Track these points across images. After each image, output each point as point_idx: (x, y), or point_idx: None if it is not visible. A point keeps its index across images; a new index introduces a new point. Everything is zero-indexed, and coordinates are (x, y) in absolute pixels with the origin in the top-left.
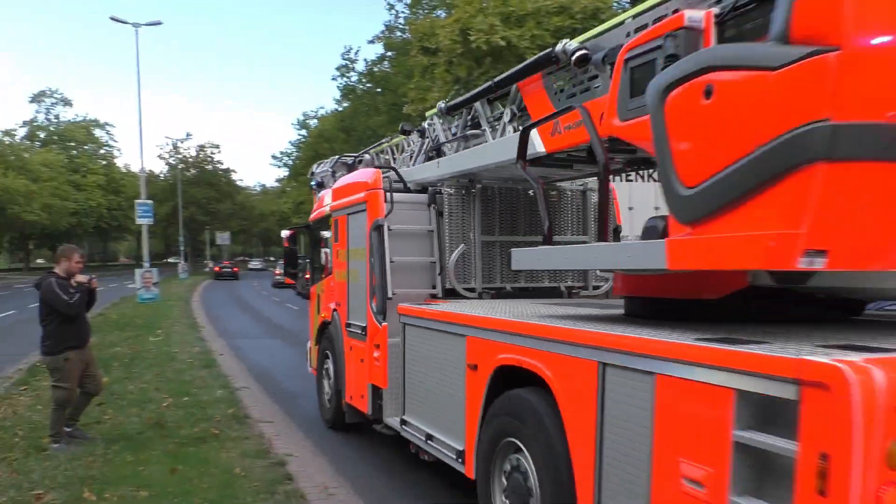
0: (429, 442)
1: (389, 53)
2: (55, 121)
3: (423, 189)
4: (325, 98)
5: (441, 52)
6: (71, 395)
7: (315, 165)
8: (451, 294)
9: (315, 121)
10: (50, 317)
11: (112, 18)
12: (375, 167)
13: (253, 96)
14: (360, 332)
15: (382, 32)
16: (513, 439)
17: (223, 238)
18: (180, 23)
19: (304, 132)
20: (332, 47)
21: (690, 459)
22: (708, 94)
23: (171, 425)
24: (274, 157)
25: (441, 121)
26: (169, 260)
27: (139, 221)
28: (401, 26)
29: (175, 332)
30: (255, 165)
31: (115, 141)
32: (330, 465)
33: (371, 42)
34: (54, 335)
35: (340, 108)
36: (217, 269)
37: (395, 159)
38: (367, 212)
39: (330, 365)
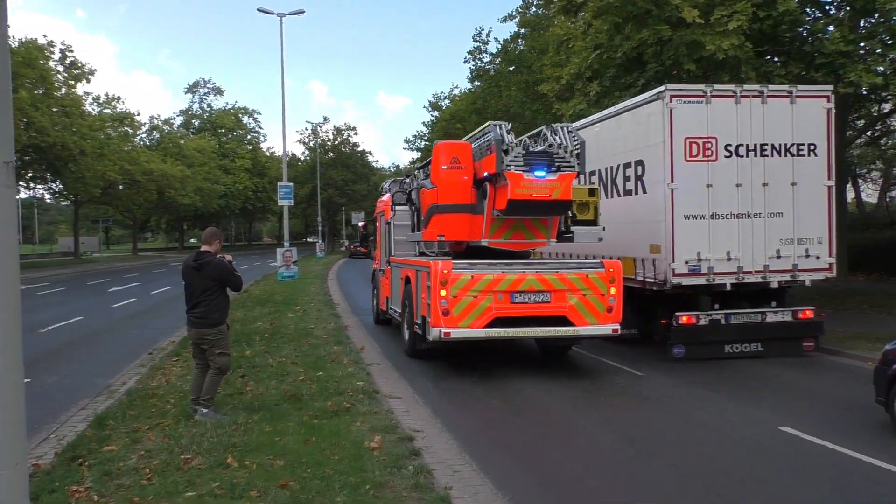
0: (394, 309)
1: (524, 31)
2: (207, 109)
3: (408, 202)
4: (459, 77)
5: (586, 6)
6: (230, 360)
7: (385, 182)
8: (422, 255)
9: (447, 101)
10: (217, 291)
11: (259, 10)
12: (394, 192)
13: (389, 79)
14: (381, 272)
15: (518, 9)
16: (407, 301)
17: (358, 218)
18: (320, 10)
19: (435, 114)
20: (466, 26)
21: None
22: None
23: (306, 398)
24: (406, 140)
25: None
26: (308, 239)
27: (281, 203)
28: (537, 2)
29: (311, 309)
30: (390, 147)
31: (260, 127)
32: (455, 441)
33: (503, 20)
34: (220, 307)
35: (473, 89)
36: (352, 248)
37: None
38: (384, 215)
39: (373, 291)
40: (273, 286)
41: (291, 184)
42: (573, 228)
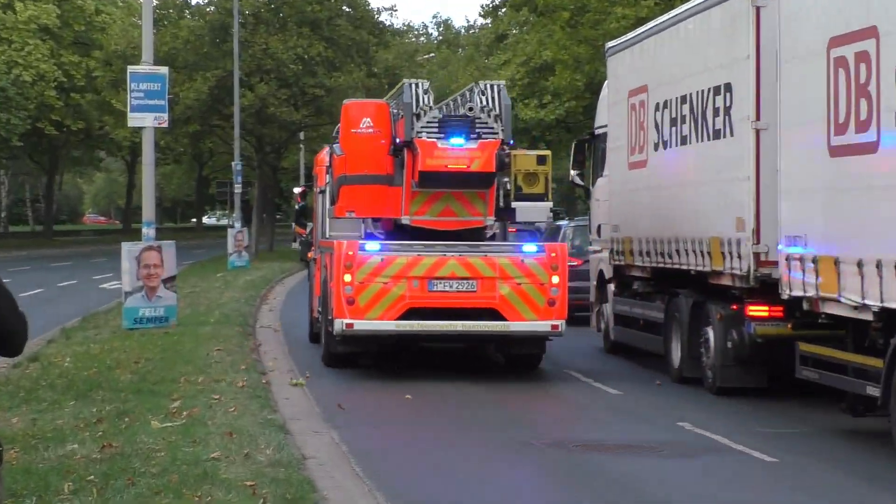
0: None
1: None
2: None
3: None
4: None
5: None
6: None
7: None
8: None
9: None
10: None
11: None
12: None
13: None
14: (313, 262)
15: None
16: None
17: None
18: None
19: None
20: None
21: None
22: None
23: None
24: None
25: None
26: (206, 220)
27: (135, 120)
28: None
29: (209, 403)
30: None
31: None
32: None
33: None
34: None
35: None
36: (300, 232)
37: None
38: (317, 180)
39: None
40: (142, 342)
41: (165, 70)
42: (515, 204)
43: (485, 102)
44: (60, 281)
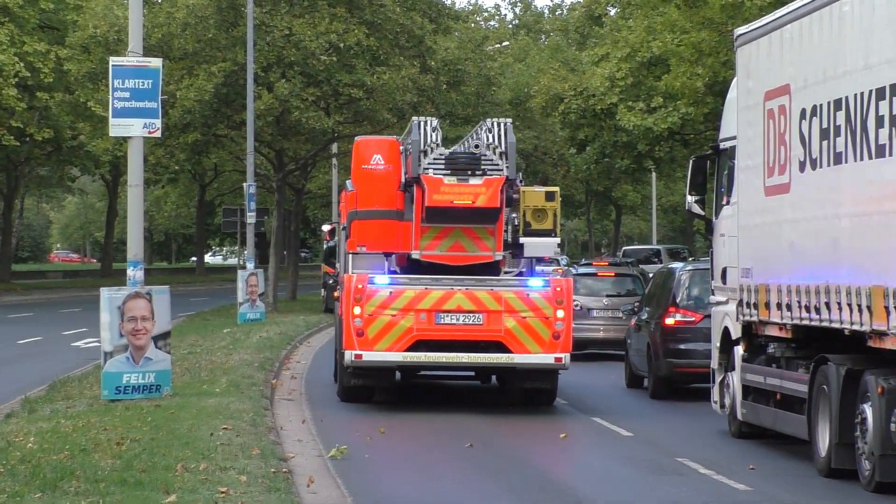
0: None
1: None
2: None
3: None
4: None
5: None
6: None
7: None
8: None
9: None
10: None
11: None
12: None
13: None
14: (337, 301)
15: None
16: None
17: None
18: None
19: None
20: None
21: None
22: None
23: None
24: None
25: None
26: (212, 257)
27: (118, 129)
28: None
29: None
30: None
31: None
32: None
33: None
34: None
35: None
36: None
37: None
38: (341, 217)
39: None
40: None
41: (158, 62)
42: (523, 240)
43: (491, 139)
44: (21, 337)
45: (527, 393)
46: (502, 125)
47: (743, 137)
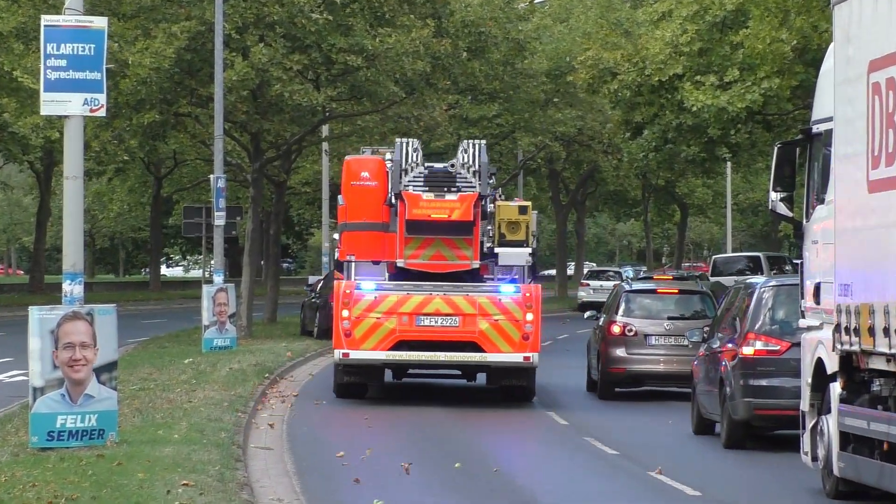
0: None
1: None
2: None
3: None
4: None
5: None
6: None
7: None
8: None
9: None
10: None
11: None
12: None
13: None
14: None
15: None
16: None
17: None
18: None
19: None
20: None
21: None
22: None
23: None
24: None
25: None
26: (173, 268)
27: (49, 107)
28: None
29: None
30: None
31: None
32: None
33: None
34: None
35: None
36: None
37: None
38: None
39: None
40: None
41: (104, 22)
42: (498, 249)
43: (466, 159)
44: None
45: (505, 390)
46: (477, 146)
47: (841, 118)
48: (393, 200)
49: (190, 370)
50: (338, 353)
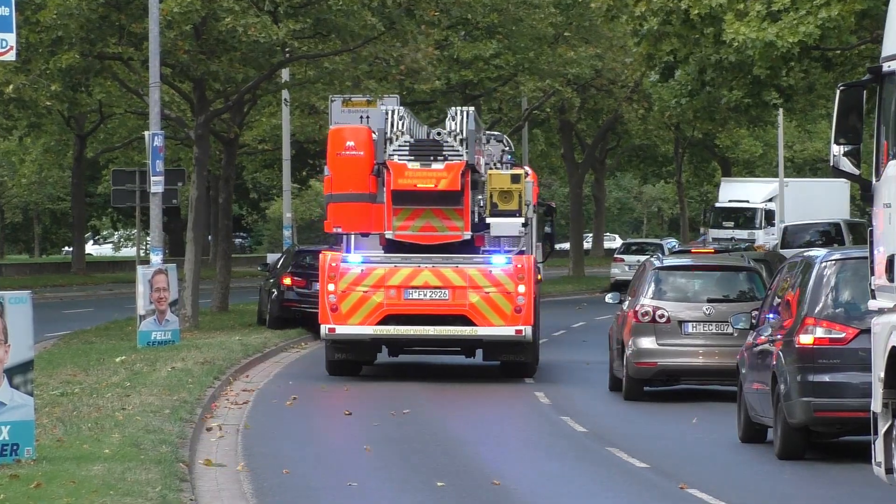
0: None
1: None
2: None
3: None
4: None
5: None
6: None
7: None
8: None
9: None
10: None
11: None
12: None
13: None
14: None
15: None
16: None
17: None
18: None
19: None
20: None
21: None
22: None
23: None
24: None
25: None
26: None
27: None
28: None
29: None
30: None
31: None
32: None
33: None
34: None
35: None
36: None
37: None
38: None
39: None
40: None
41: None
42: (490, 220)
43: (453, 127)
44: None
45: (506, 367)
46: (465, 113)
47: None
48: (380, 170)
49: (123, 370)
50: (324, 329)
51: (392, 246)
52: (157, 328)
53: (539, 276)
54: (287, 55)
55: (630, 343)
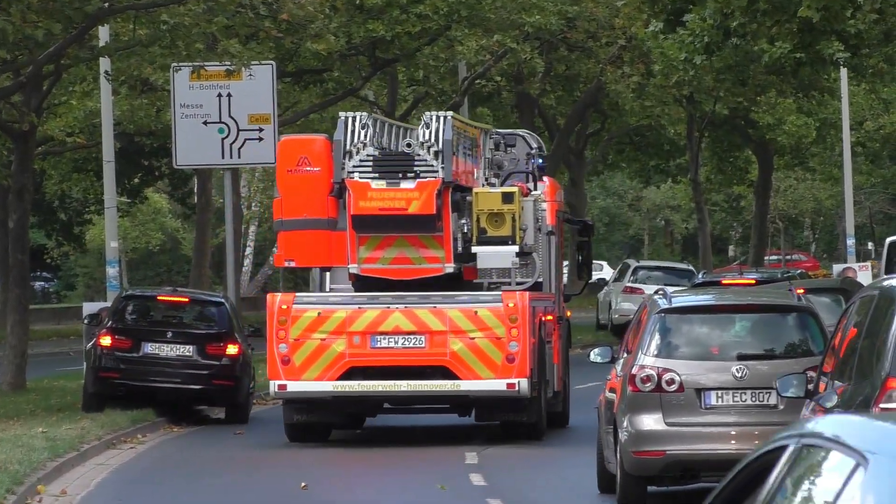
0: None
1: None
2: None
3: None
4: None
5: None
6: None
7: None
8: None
9: None
10: None
11: None
12: None
13: None
14: None
15: None
16: None
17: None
18: None
19: None
20: None
21: None
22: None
23: None
24: None
25: None
26: None
27: None
28: None
29: None
30: None
31: None
32: None
33: None
34: None
35: None
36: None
37: None
38: None
39: None
40: None
41: None
42: (476, 249)
43: (426, 136)
44: None
45: (507, 428)
46: (441, 119)
47: None
48: (341, 191)
49: None
50: (273, 386)
51: (362, 283)
52: None
53: (568, 312)
54: (108, 4)
55: (626, 423)
